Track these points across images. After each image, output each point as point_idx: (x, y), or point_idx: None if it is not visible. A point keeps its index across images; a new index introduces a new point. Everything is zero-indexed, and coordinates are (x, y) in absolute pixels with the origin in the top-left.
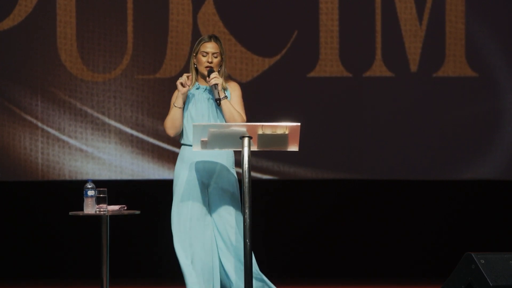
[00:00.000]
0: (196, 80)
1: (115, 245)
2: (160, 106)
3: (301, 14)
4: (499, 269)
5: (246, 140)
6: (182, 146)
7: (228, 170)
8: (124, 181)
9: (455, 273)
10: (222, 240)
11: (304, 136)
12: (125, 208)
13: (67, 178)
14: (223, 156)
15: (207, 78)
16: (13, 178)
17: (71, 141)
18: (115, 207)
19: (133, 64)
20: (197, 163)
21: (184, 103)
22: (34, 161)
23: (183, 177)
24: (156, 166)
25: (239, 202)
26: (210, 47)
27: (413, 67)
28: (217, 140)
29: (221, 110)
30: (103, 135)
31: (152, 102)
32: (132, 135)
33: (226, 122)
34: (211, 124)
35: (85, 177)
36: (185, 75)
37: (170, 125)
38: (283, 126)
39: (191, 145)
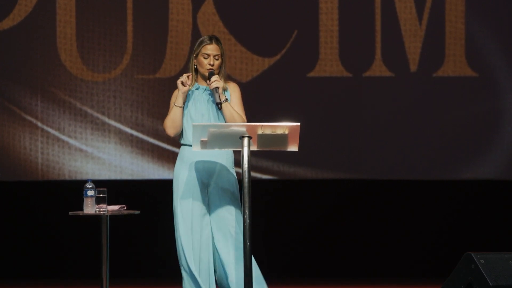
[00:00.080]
0: (196, 80)
1: (115, 245)
2: (160, 106)
3: (301, 14)
4: (499, 269)
5: (246, 140)
6: (182, 146)
7: (228, 170)
8: (124, 181)
9: (455, 273)
10: (222, 240)
11: (304, 136)
12: (125, 208)
13: (67, 178)
14: (223, 156)
15: (208, 80)
16: (13, 178)
17: (71, 141)
18: (115, 207)
19: (133, 64)
20: (197, 163)
21: (184, 103)
22: (34, 161)
23: (183, 177)
24: (156, 166)
25: (239, 202)
26: (211, 49)
27: (413, 67)
28: (216, 140)
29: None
30: (103, 135)
31: (152, 102)
32: (132, 135)
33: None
34: (211, 124)
35: (85, 177)
36: (185, 75)
37: (170, 124)
38: (283, 126)
39: (190, 145)
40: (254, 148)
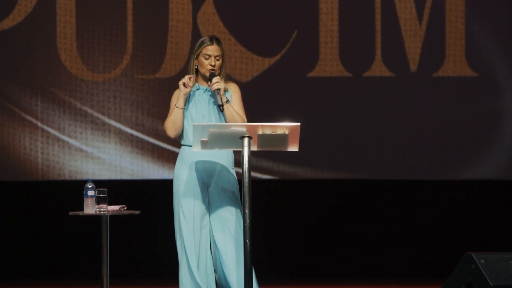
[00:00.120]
0: (196, 81)
1: (115, 245)
2: (160, 106)
3: (301, 14)
4: (499, 269)
5: (246, 140)
6: (182, 147)
7: (228, 170)
8: (124, 181)
9: (455, 273)
10: (222, 240)
11: (304, 136)
12: (125, 208)
13: (67, 178)
14: (223, 156)
15: (209, 82)
16: (13, 178)
17: (71, 141)
18: (115, 207)
19: (133, 64)
20: (197, 163)
21: (185, 104)
22: (34, 161)
23: (184, 177)
24: (156, 166)
25: (239, 202)
26: (212, 50)
27: (413, 67)
28: (217, 140)
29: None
30: (103, 135)
31: (152, 102)
32: (132, 135)
33: None
34: (211, 124)
35: (85, 177)
36: (187, 76)
37: (171, 125)
38: (283, 126)
39: (191, 146)
40: (254, 148)
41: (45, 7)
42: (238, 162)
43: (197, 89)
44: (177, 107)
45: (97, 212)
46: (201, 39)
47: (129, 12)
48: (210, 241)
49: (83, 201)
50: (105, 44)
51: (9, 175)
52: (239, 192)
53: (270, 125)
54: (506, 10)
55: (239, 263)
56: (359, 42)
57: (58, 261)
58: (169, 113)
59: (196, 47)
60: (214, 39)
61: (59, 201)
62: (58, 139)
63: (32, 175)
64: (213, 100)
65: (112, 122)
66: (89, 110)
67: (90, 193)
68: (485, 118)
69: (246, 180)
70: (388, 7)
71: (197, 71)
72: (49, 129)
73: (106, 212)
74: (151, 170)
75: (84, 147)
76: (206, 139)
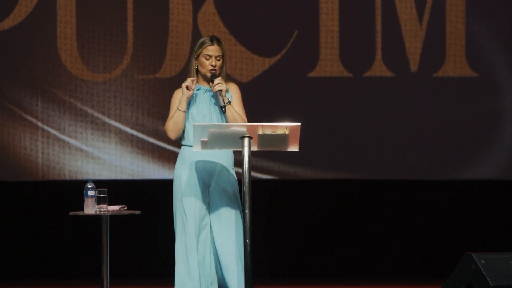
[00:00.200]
0: (197, 81)
1: (115, 245)
2: (160, 106)
3: (301, 14)
4: (499, 269)
5: (246, 140)
6: (182, 147)
7: (228, 170)
8: (124, 181)
9: (455, 273)
10: (222, 240)
11: (304, 136)
12: (125, 208)
13: (67, 178)
14: (223, 157)
15: (211, 83)
16: (13, 178)
17: (71, 141)
18: (115, 207)
19: (133, 64)
20: (198, 163)
21: (187, 107)
22: (34, 161)
23: (184, 177)
24: (156, 166)
25: (239, 203)
26: (213, 50)
27: (413, 67)
28: (217, 140)
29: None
30: (103, 135)
31: (152, 102)
32: (132, 135)
33: None
34: (211, 124)
35: (85, 177)
36: (190, 79)
37: (172, 128)
38: (283, 126)
39: (191, 146)
40: (254, 148)
41: (46, 7)
42: (238, 162)
43: (198, 90)
44: (179, 110)
45: (97, 212)
46: (202, 39)
47: (130, 12)
48: (210, 241)
49: (83, 201)
50: (105, 44)
51: (9, 175)
52: (239, 192)
53: (270, 125)
54: (506, 10)
55: (239, 263)
56: (359, 42)
57: (58, 261)
58: (170, 114)
59: (196, 47)
60: (214, 39)
61: (59, 201)
62: (59, 139)
63: (32, 175)
64: (214, 100)
65: (113, 122)
66: (90, 110)
67: (90, 193)
68: (485, 118)
69: (246, 180)
70: (388, 8)
71: (197, 71)
72: (50, 129)
73: (106, 212)
74: (151, 170)
75: (84, 147)
76: (206, 139)
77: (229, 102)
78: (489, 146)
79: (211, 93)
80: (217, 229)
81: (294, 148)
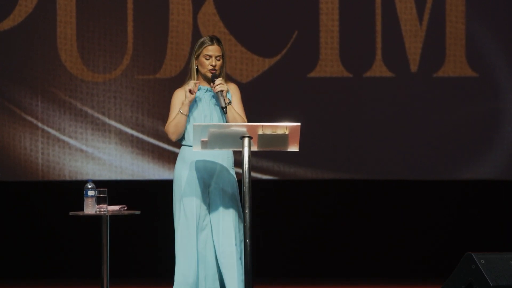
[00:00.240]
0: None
1: (115, 245)
2: (160, 106)
3: (301, 14)
4: (499, 269)
5: (246, 140)
6: (182, 147)
7: (228, 171)
8: (124, 181)
9: (455, 273)
10: (222, 241)
11: (304, 136)
12: (125, 208)
13: (67, 178)
14: (224, 157)
15: (212, 83)
16: (13, 178)
17: (71, 142)
18: (115, 207)
19: (133, 64)
20: (198, 162)
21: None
22: (34, 161)
23: (185, 177)
24: (156, 166)
25: (239, 203)
26: (213, 50)
27: (413, 67)
28: (217, 140)
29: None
30: (103, 136)
31: (152, 102)
32: (132, 135)
33: None
34: (211, 124)
35: (85, 177)
36: (192, 82)
37: (174, 130)
38: (283, 126)
39: (191, 146)
40: (254, 148)
41: (46, 7)
42: (238, 162)
43: (198, 89)
44: (181, 113)
45: (97, 212)
46: (201, 39)
47: (130, 12)
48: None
49: (83, 201)
50: (105, 45)
51: (9, 175)
52: (239, 193)
53: (270, 125)
54: (506, 10)
55: (239, 264)
56: (359, 42)
57: (58, 261)
58: (170, 115)
59: (196, 47)
60: (214, 39)
61: (59, 201)
62: (59, 140)
63: (32, 175)
64: (214, 100)
65: (113, 123)
66: (90, 111)
67: (90, 193)
68: (485, 118)
69: (246, 180)
70: (388, 8)
71: (197, 71)
72: (50, 130)
73: (106, 212)
74: (151, 171)
75: (84, 147)
76: (206, 139)
77: (230, 102)
78: (489, 146)
79: (212, 93)
80: (217, 229)
81: (294, 148)
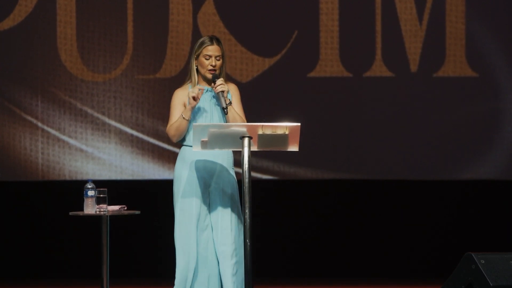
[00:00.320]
0: (197, 81)
1: (115, 245)
2: (160, 106)
3: (301, 14)
4: (499, 269)
5: (246, 140)
6: (183, 147)
7: (228, 171)
8: (124, 181)
9: (455, 273)
10: (222, 241)
11: (304, 136)
12: (125, 208)
13: (67, 178)
14: (224, 157)
15: (212, 84)
16: (13, 178)
17: (71, 141)
18: (115, 207)
19: (133, 64)
20: (198, 162)
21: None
22: (34, 161)
23: (185, 177)
24: (156, 166)
25: (239, 203)
26: (213, 50)
27: (413, 67)
28: (217, 140)
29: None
30: (103, 135)
31: (152, 102)
32: (132, 135)
33: None
34: (211, 124)
35: (85, 177)
36: (197, 88)
37: (175, 133)
38: (283, 126)
39: (191, 146)
40: (254, 148)
41: (45, 7)
42: (238, 162)
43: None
44: (184, 118)
45: (97, 212)
46: (201, 39)
47: (129, 12)
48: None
49: (83, 201)
50: (105, 44)
51: (9, 175)
52: (238, 193)
53: (270, 125)
54: (506, 10)
55: (239, 264)
56: (359, 42)
57: (58, 261)
58: (171, 115)
59: (196, 47)
60: (214, 39)
61: (59, 201)
62: (59, 139)
63: (32, 175)
64: (214, 100)
65: (113, 123)
66: (90, 111)
67: (90, 193)
68: (485, 118)
69: (246, 180)
70: (388, 8)
71: (197, 71)
72: (50, 130)
73: (106, 212)
74: (151, 170)
75: (84, 147)
76: (206, 139)
77: (230, 103)
78: (489, 146)
79: (212, 93)
80: (216, 229)
81: (294, 148)
